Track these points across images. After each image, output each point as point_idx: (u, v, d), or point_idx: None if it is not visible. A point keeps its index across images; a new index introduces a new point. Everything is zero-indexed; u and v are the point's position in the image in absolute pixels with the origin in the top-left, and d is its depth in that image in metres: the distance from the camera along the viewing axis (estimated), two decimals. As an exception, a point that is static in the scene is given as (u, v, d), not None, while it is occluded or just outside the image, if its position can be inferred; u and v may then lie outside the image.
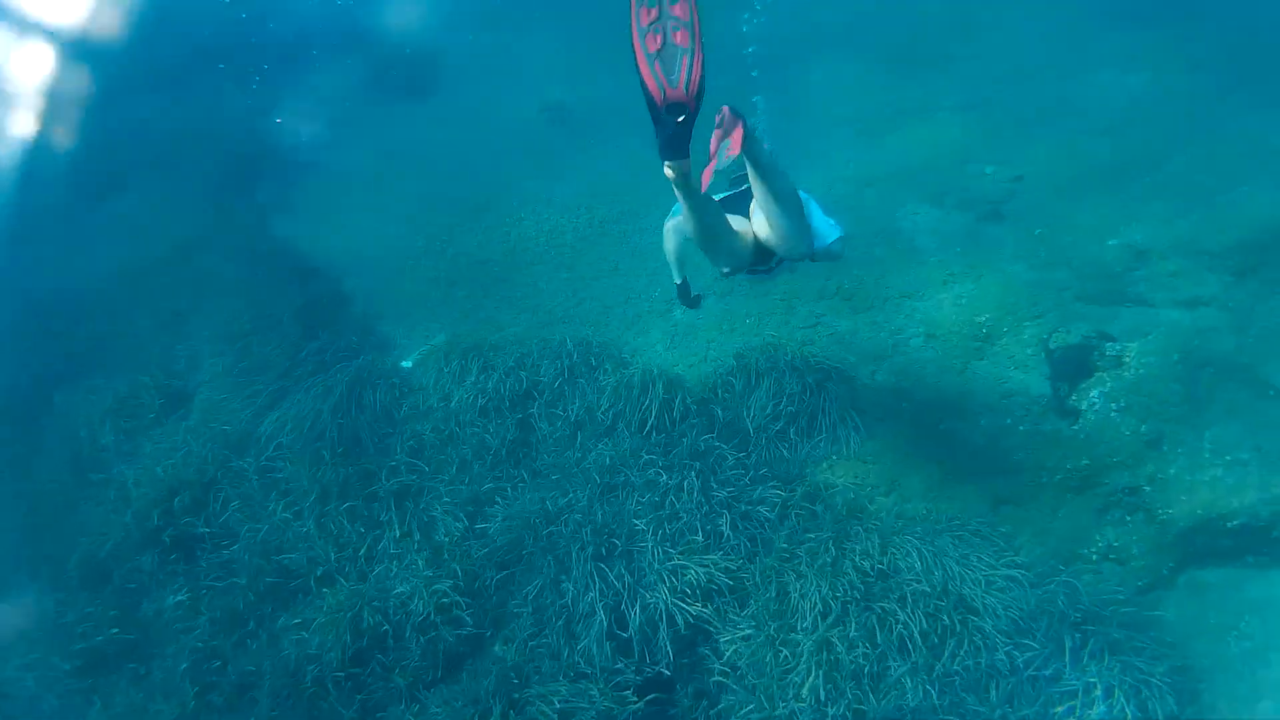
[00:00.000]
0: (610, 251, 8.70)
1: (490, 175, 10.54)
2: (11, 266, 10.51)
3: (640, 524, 5.66)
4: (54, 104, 12.34)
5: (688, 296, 5.57)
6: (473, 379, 6.95)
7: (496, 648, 5.61)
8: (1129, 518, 6.00)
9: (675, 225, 5.17)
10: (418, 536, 6.10)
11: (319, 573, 6.06)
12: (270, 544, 6.29)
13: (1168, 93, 9.65)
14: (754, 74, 9.55)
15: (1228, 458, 6.04)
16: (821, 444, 6.41)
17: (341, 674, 5.45)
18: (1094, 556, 5.90)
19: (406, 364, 7.58)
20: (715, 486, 5.90)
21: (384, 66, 13.48)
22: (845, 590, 5.21)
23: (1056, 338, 6.85)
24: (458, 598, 5.61)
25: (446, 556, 5.92)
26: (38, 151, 12.31)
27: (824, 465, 6.37)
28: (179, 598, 6.21)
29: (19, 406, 8.28)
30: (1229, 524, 5.79)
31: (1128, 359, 6.69)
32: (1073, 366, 6.74)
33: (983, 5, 12.58)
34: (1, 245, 10.87)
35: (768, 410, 6.44)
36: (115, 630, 6.14)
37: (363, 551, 6.11)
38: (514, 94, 12.83)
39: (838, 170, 9.33)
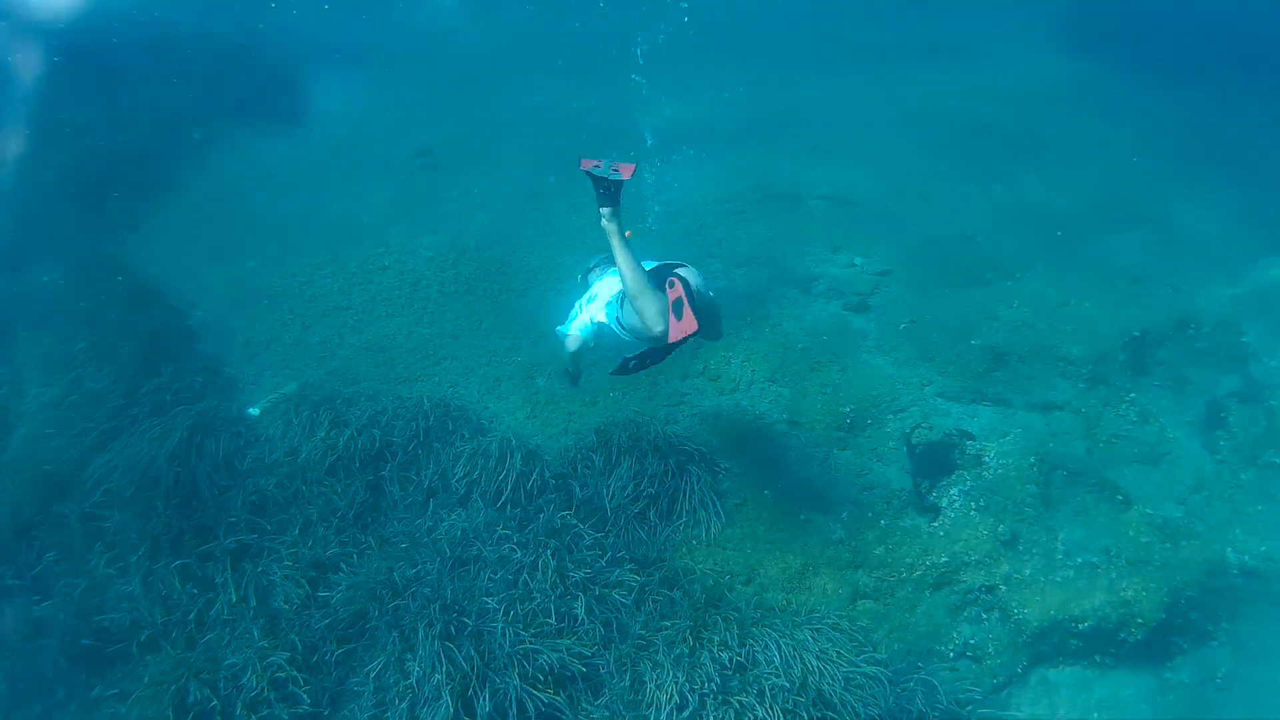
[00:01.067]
0: (475, 309, 8.75)
1: (356, 216, 10.51)
2: None
3: (492, 602, 5.71)
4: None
5: (577, 372, 6.07)
6: (323, 434, 6.86)
7: (331, 728, 5.60)
8: (985, 616, 6.52)
9: (575, 334, 5.51)
10: (254, 602, 5.97)
11: (143, 637, 5.86)
12: (89, 602, 6.02)
13: (1022, 206, 10.57)
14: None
15: (1079, 560, 6.70)
16: (681, 528, 6.65)
17: (160, 758, 5.30)
18: (951, 654, 6.36)
19: (253, 411, 7.42)
20: (571, 566, 6.01)
21: (256, 87, 13.30)
22: (702, 682, 5.38)
23: (919, 433, 7.36)
24: (294, 672, 5.53)
25: (284, 626, 5.85)
26: None
27: (683, 549, 6.59)
28: (-25, 661, 5.91)
29: None
30: (1080, 625, 6.39)
31: (987, 459, 7.28)
32: (934, 462, 7.27)
33: (853, 114, 13.53)
34: None
35: (628, 490, 6.62)
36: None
37: (193, 615, 5.93)
38: (385, 131, 12.90)
39: (710, 248, 9.73)
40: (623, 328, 5.25)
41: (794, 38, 17.84)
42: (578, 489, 6.69)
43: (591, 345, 5.59)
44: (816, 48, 16.95)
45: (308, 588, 6.08)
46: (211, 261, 9.72)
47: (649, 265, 5.21)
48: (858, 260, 9.56)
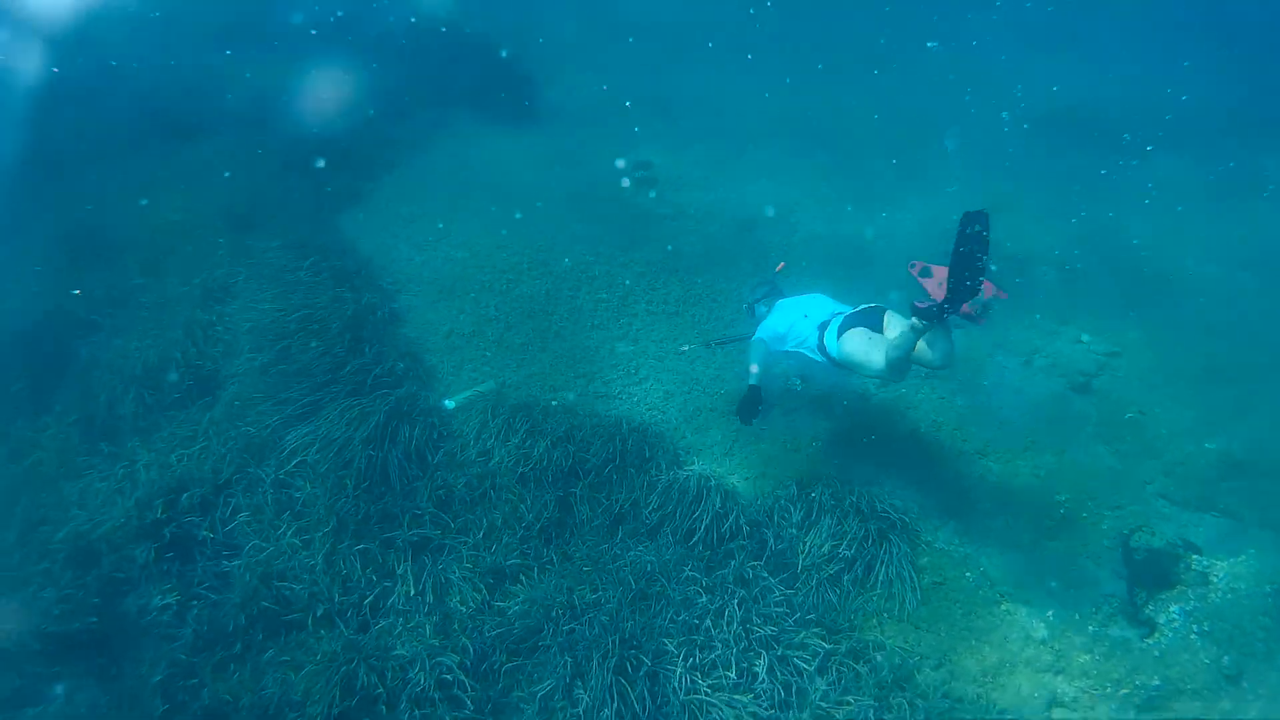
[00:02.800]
0: (681, 334, 8.87)
1: (569, 222, 10.82)
2: (46, 193, 10.92)
3: (670, 645, 5.74)
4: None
5: (754, 406, 6.60)
6: (518, 440, 7.09)
7: (489, 739, 5.78)
8: (1195, 753, 6.08)
9: (762, 345, 6.82)
10: (430, 598, 6.25)
11: (319, 612, 6.19)
12: (273, 568, 6.41)
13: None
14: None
15: (1312, 708, 6.15)
16: (875, 599, 6.52)
17: (323, 731, 5.60)
18: (1148, 789, 5.98)
19: (449, 404, 7.75)
20: (757, 621, 5.98)
21: (488, 81, 13.99)
22: (879, 772, 5.31)
23: (1139, 537, 6.99)
24: (462, 676, 5.73)
25: (457, 628, 6.07)
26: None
27: (874, 622, 6.45)
28: (167, 600, 6.32)
29: (42, 346, 8.45)
30: (1299, 785, 5.87)
31: (1215, 579, 6.82)
32: (1153, 573, 6.85)
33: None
34: (39, 170, 11.29)
35: (824, 550, 6.59)
36: (94, 620, 6.30)
37: (369, 600, 6.28)
38: (609, 139, 13.26)
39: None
40: (829, 357, 6.52)
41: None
42: (772, 540, 6.66)
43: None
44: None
45: (485, 593, 6.30)
46: (422, 247, 10.26)
47: (847, 309, 6.65)
48: (1085, 337, 9.22)
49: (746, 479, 7.46)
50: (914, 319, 5.56)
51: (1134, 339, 9.16)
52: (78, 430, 7.59)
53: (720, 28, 17.93)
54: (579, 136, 13.40)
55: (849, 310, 6.62)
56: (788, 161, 12.94)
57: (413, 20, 15.46)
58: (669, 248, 10.35)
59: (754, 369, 6.67)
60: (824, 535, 6.63)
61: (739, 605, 6.05)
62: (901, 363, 5.86)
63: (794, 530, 6.74)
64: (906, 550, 6.76)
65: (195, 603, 6.41)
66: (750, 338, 7.10)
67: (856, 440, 7.84)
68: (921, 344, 5.86)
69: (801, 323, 6.85)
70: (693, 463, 7.48)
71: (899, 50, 17.27)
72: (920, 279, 6.31)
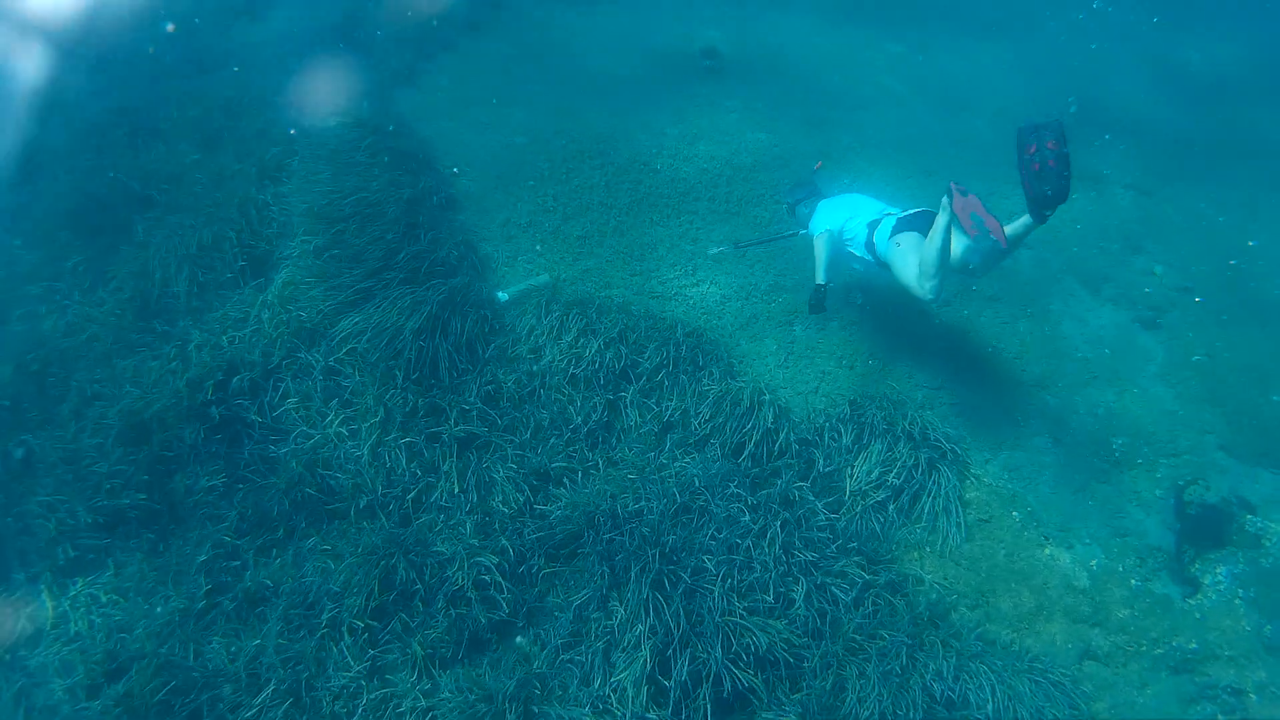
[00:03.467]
0: (740, 233, 8.66)
1: (631, 109, 10.56)
2: (104, 70, 10.94)
3: (709, 563, 5.73)
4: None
5: (823, 301, 6.67)
6: (570, 339, 7.05)
7: (521, 640, 5.87)
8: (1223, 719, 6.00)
9: (829, 236, 6.88)
10: (474, 497, 6.32)
11: (362, 504, 6.30)
12: (319, 456, 6.53)
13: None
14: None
15: (1355, 691, 5.99)
16: (918, 531, 6.49)
17: (360, 624, 5.71)
18: (1172, 752, 5.92)
19: (502, 295, 7.69)
20: (799, 545, 5.96)
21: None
22: (907, 709, 5.29)
23: (1194, 491, 6.80)
24: (499, 578, 5.82)
25: (497, 528, 6.13)
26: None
27: (915, 555, 6.43)
28: (214, 482, 6.49)
29: (99, 221, 8.53)
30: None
31: (1268, 542, 6.64)
32: (1205, 530, 6.70)
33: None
34: (99, 46, 11.29)
35: (872, 476, 6.51)
36: (143, 497, 6.49)
37: (412, 495, 6.37)
38: (677, 23, 12.83)
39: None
40: (875, 256, 6.74)
41: None
42: (821, 461, 6.60)
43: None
44: None
45: (528, 493, 6.35)
46: (481, 130, 10.09)
47: (896, 210, 6.83)
48: (1158, 268, 8.95)
49: (799, 394, 7.36)
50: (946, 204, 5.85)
51: (1210, 276, 8.84)
52: (132, 307, 7.66)
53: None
54: (644, 17, 12.97)
55: (898, 211, 6.77)
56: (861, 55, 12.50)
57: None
58: (734, 144, 10.08)
59: (820, 265, 6.77)
60: (874, 461, 6.55)
61: (781, 527, 6.01)
62: (932, 273, 5.99)
63: (844, 453, 6.65)
64: (955, 483, 6.68)
65: (241, 486, 6.56)
66: (782, 236, 7.82)
67: (914, 360, 7.71)
68: (958, 247, 6.15)
69: (852, 220, 7.01)
70: (746, 373, 7.40)
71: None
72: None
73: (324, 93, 9.92)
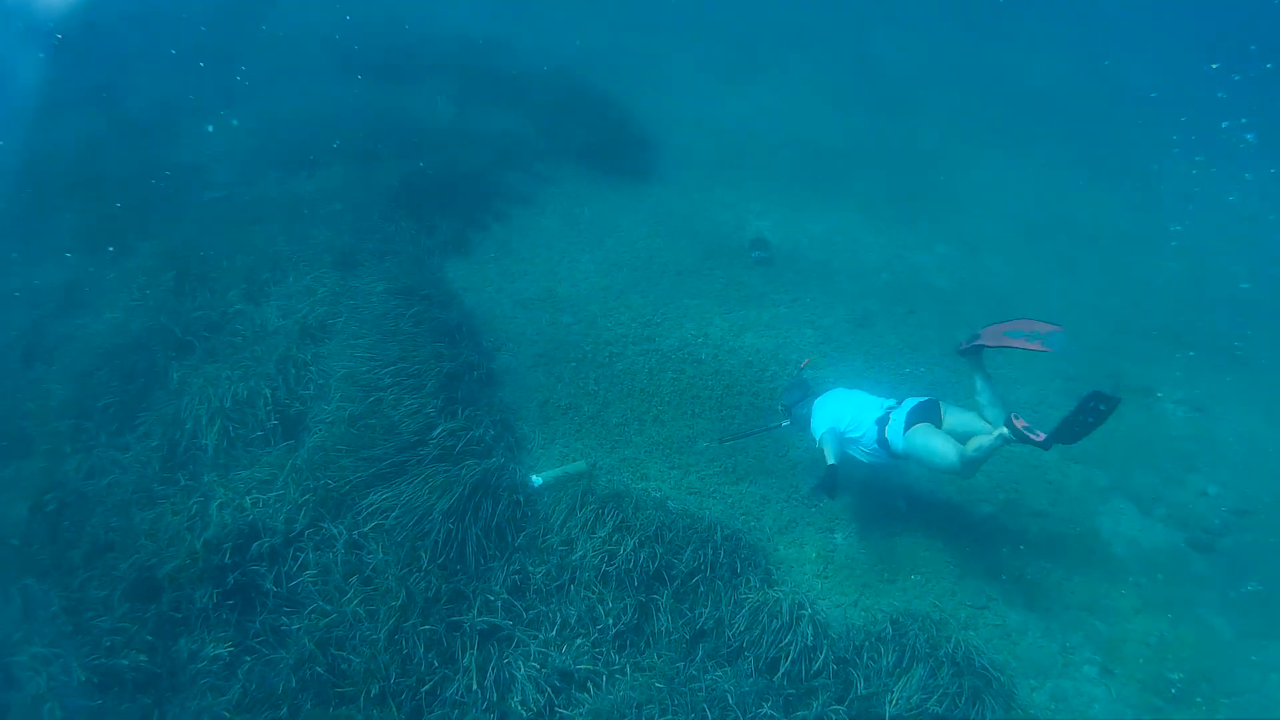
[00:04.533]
0: (788, 431, 8.73)
1: (678, 297, 10.85)
2: (159, 210, 11.37)
3: (739, 790, 5.57)
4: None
5: (834, 483, 7.13)
6: (604, 534, 6.99)
7: None
8: None
9: (833, 434, 7.49)
10: (493, 695, 6.16)
11: (373, 691, 6.08)
12: (332, 635, 6.36)
13: None
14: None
15: None
16: (962, 764, 6.27)
17: (360, 825, 5.50)
18: None
19: (536, 480, 7.68)
20: (834, 776, 5.77)
21: (608, 139, 14.19)
22: None
23: None
24: (512, 788, 5.64)
25: (514, 731, 5.99)
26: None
27: (958, 792, 6.19)
28: (220, 650, 6.31)
29: (135, 364, 8.66)
30: None
31: None
32: None
33: None
34: (154, 186, 11.78)
35: (912, 702, 6.34)
36: (144, 658, 6.32)
37: (427, 688, 6.21)
38: (725, 212, 13.34)
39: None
40: (889, 451, 7.33)
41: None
42: (860, 683, 6.41)
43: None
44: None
45: (550, 695, 6.17)
46: (527, 306, 10.38)
47: (891, 402, 7.56)
48: (1211, 489, 8.85)
49: (838, 606, 7.25)
50: (1005, 429, 6.63)
51: (1269, 498, 8.77)
52: (158, 456, 7.69)
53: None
54: (693, 201, 13.53)
55: (892, 403, 7.53)
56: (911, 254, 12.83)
57: (544, 69, 15.85)
58: (780, 339, 10.27)
59: (828, 454, 7.32)
60: (914, 686, 6.35)
61: (817, 754, 5.81)
62: (978, 463, 6.84)
63: (884, 676, 6.48)
64: (1001, 715, 6.46)
65: (248, 657, 6.38)
66: (766, 429, 8.35)
67: (958, 575, 7.64)
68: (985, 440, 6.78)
69: (855, 418, 7.55)
70: (784, 580, 7.31)
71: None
72: (973, 344, 7.23)
73: (373, 255, 10.22)
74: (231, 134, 13.13)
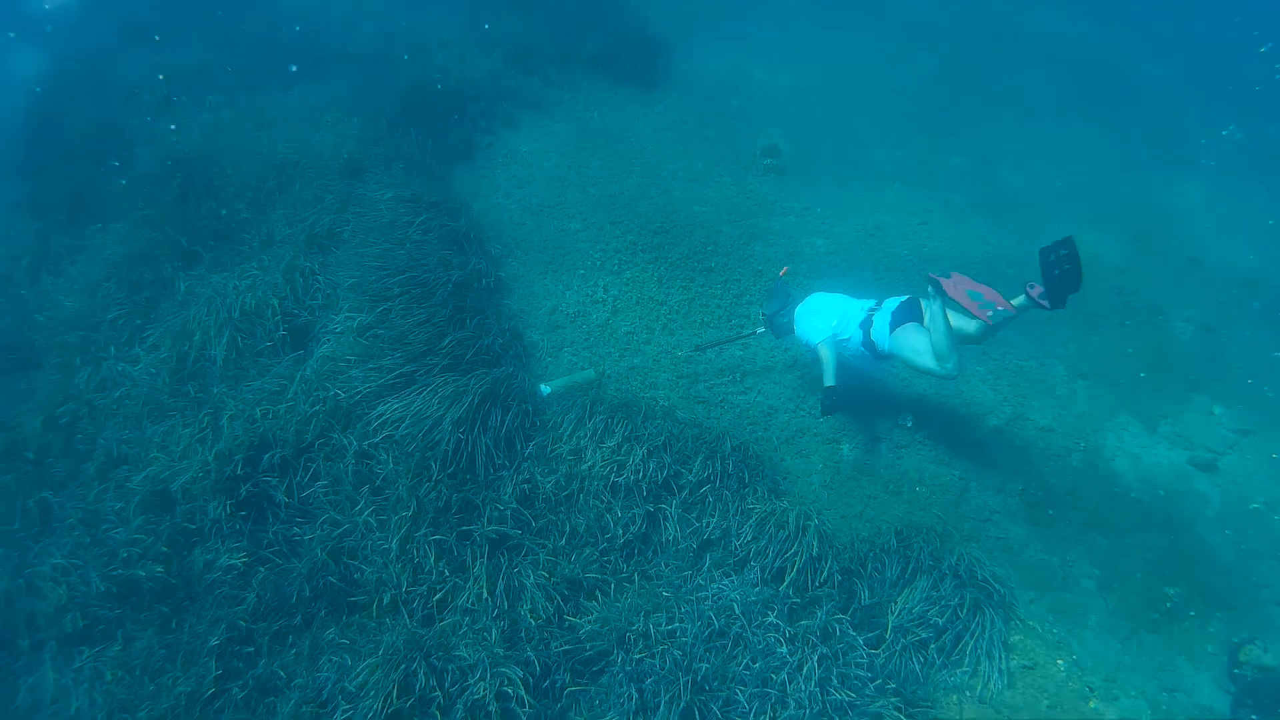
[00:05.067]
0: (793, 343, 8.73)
1: (687, 204, 10.75)
2: (161, 117, 11.25)
3: (742, 696, 5.63)
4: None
5: (835, 402, 7.24)
6: (613, 444, 7.01)
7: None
8: None
9: (830, 342, 7.53)
10: (504, 603, 6.25)
11: (386, 599, 6.22)
12: (344, 545, 6.48)
13: None
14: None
15: None
16: (959, 674, 6.34)
17: (374, 730, 5.61)
18: None
19: (545, 389, 7.70)
20: (835, 683, 5.83)
21: (622, 44, 13.91)
22: None
23: (1250, 652, 6.62)
24: (523, 692, 5.70)
25: (524, 637, 6.05)
26: None
27: (954, 699, 6.26)
28: (234, 561, 6.43)
29: (142, 275, 8.67)
30: None
31: None
32: (1262, 695, 6.50)
33: None
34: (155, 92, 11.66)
35: (915, 613, 6.42)
36: (160, 569, 6.42)
37: (439, 596, 6.31)
38: (738, 119, 13.13)
39: (1052, 348, 9.42)
40: (874, 352, 7.40)
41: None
42: (864, 593, 6.49)
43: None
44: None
45: (559, 603, 6.27)
46: (535, 212, 10.29)
47: (870, 303, 7.60)
48: (1216, 409, 8.90)
49: (844, 518, 7.33)
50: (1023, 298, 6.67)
51: (1272, 419, 8.77)
52: (167, 368, 7.72)
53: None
54: (706, 110, 13.26)
55: (871, 304, 7.58)
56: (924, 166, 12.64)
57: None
58: (790, 247, 10.17)
59: (827, 369, 7.40)
60: (917, 597, 6.46)
61: (819, 662, 5.90)
62: (947, 347, 6.70)
63: (888, 587, 6.57)
64: (1000, 626, 6.57)
65: (262, 567, 6.49)
66: (741, 336, 8.55)
67: (961, 489, 7.70)
68: (971, 326, 6.92)
69: (840, 324, 7.61)
70: (791, 491, 7.37)
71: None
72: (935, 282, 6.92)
73: (380, 161, 10.09)
74: (235, 39, 12.86)
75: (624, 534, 6.63)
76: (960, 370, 6.86)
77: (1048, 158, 13.32)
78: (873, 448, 7.90)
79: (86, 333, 8.25)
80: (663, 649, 5.90)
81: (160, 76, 11.71)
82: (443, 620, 6.21)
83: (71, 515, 6.84)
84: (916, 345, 6.95)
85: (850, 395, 7.77)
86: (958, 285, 6.73)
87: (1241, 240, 11.78)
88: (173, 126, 10.93)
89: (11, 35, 12.80)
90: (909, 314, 7.20)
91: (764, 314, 8.11)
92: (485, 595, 6.23)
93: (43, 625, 6.36)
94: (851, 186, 11.80)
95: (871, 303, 7.58)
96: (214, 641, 6.10)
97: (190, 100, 11.51)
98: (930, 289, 6.75)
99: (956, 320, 6.93)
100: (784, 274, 8.36)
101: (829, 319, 7.65)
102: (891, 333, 7.17)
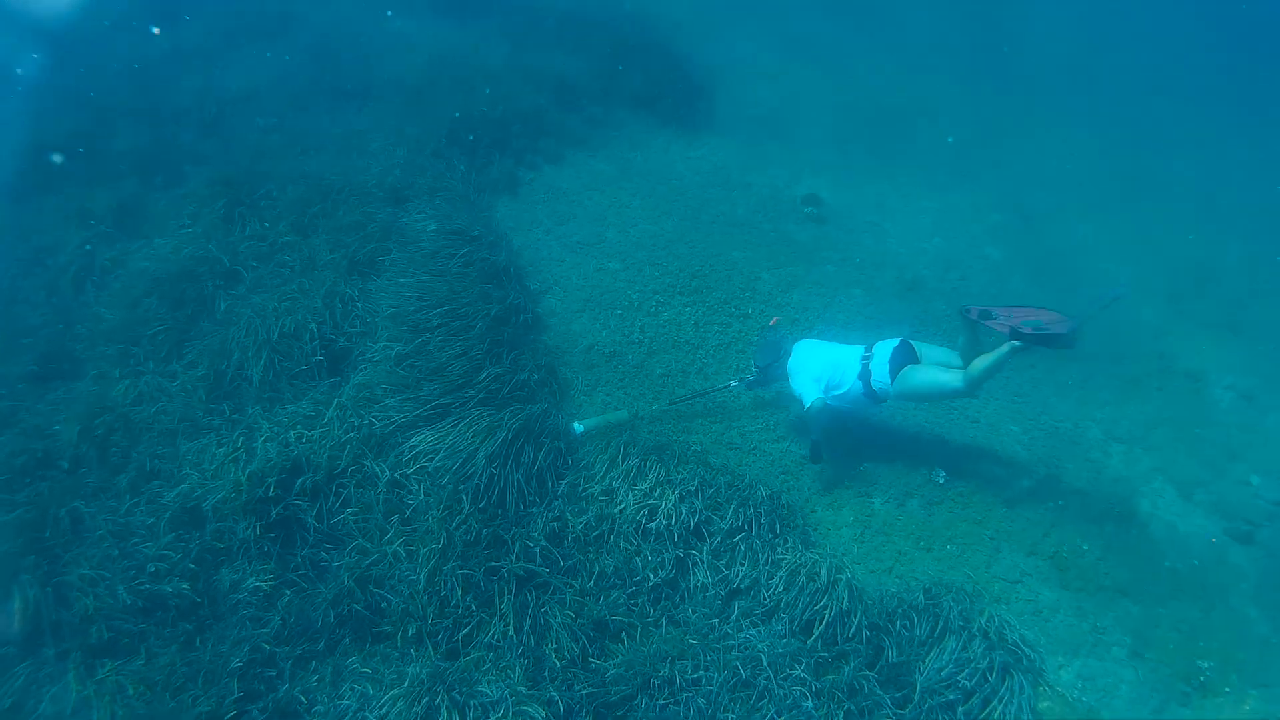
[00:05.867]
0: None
1: (725, 250, 10.77)
2: (210, 137, 11.43)
3: (766, 751, 5.63)
4: None
5: (819, 452, 7.57)
6: (646, 486, 7.04)
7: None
8: None
9: (822, 404, 7.64)
10: (531, 640, 6.23)
11: (410, 631, 6.21)
12: (372, 574, 6.48)
13: None
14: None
15: None
16: (987, 740, 6.29)
17: (393, 762, 5.60)
18: None
19: (578, 427, 7.69)
20: (862, 742, 5.81)
21: (664, 86, 14.09)
22: None
23: None
24: (544, 733, 5.72)
25: (548, 677, 6.03)
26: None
27: (980, 766, 6.21)
28: (261, 583, 6.46)
29: (182, 290, 8.74)
30: None
31: None
32: None
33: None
34: (205, 112, 11.85)
35: (944, 674, 6.35)
36: (187, 586, 6.45)
37: (463, 633, 6.31)
38: (780, 167, 13.18)
39: (1091, 410, 9.37)
40: (877, 395, 7.61)
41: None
42: (891, 651, 6.43)
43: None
44: None
45: (584, 644, 6.24)
46: (575, 250, 10.36)
47: (860, 349, 7.77)
48: (1254, 479, 8.78)
49: (872, 572, 7.28)
50: (1015, 341, 6.88)
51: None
52: (204, 385, 7.79)
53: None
54: (747, 154, 13.36)
55: (861, 350, 7.75)
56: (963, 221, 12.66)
57: (604, 15, 15.64)
58: (829, 298, 10.20)
59: (816, 428, 7.58)
60: (946, 658, 6.38)
61: (845, 719, 5.86)
62: (984, 379, 7.14)
63: (916, 645, 6.50)
64: (1029, 692, 6.46)
65: (288, 591, 6.50)
66: (714, 390, 8.46)
67: (992, 549, 7.65)
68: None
69: (835, 377, 7.73)
70: (821, 544, 7.34)
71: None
72: (982, 322, 7.28)
73: (424, 191, 10.21)
74: (285, 63, 13.09)
75: (653, 577, 6.62)
76: (973, 386, 7.20)
77: (1085, 218, 13.32)
78: (904, 502, 7.86)
79: (126, 346, 8.34)
80: (687, 697, 5.87)
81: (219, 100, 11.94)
82: (467, 655, 6.19)
83: (102, 527, 6.86)
84: (926, 378, 7.36)
85: (835, 443, 8.11)
86: (1006, 323, 7.06)
87: None
88: (220, 147, 11.09)
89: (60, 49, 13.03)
90: (906, 356, 7.49)
91: (757, 365, 8.13)
92: (511, 632, 6.22)
93: (68, 635, 6.37)
94: (889, 238, 11.81)
95: (862, 349, 7.76)
96: (236, 662, 6.10)
97: (240, 121, 11.70)
98: (1012, 341, 6.96)
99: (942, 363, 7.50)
100: (773, 324, 8.47)
101: (821, 372, 7.78)
102: (893, 380, 7.42)
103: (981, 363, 7.06)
